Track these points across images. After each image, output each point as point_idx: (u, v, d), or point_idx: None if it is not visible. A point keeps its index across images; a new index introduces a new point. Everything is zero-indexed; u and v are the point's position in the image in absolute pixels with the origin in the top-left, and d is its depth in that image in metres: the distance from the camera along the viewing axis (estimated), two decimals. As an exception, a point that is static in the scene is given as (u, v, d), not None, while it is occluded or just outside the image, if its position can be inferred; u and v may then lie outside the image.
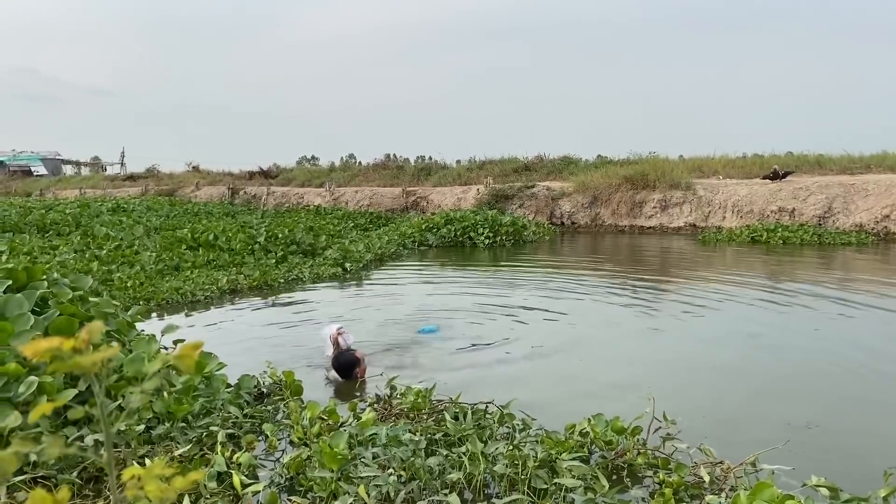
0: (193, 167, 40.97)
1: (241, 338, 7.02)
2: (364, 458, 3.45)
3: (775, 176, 19.16)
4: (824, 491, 3.03)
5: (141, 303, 8.52)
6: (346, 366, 5.54)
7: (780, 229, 16.40)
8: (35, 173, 57.16)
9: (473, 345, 6.64)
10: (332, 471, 3.29)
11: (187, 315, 8.31)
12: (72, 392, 3.64)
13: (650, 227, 19.71)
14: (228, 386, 4.58)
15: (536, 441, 3.71)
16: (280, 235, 13.87)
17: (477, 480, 3.38)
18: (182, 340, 4.95)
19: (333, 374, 5.59)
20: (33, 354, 0.71)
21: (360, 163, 37.91)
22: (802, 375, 5.65)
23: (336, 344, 5.78)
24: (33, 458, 3.13)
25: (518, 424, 4.05)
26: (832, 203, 17.27)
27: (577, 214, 20.96)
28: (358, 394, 5.16)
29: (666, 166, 21.48)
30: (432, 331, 7.16)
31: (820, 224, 17.00)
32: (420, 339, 6.94)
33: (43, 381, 3.73)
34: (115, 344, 0.84)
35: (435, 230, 16.77)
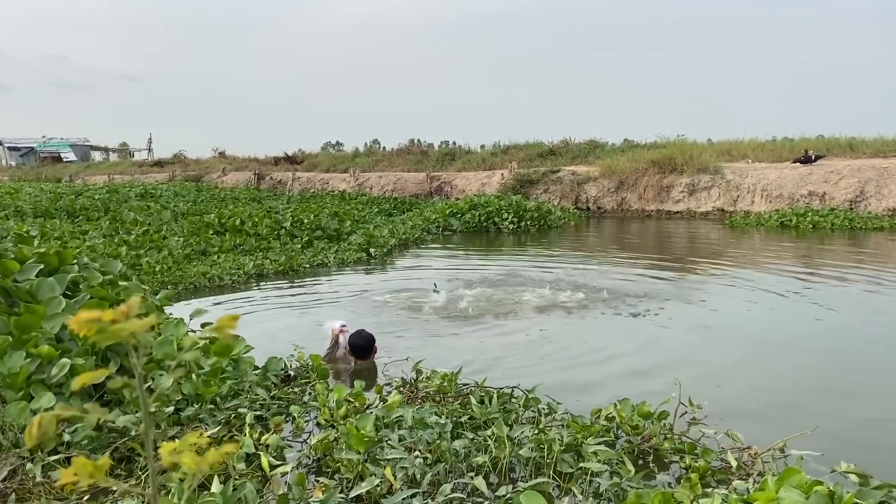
0: (220, 153, 41.28)
1: (268, 321, 7.10)
2: (390, 440, 3.48)
3: (806, 159, 18.82)
4: (854, 478, 3.00)
5: (169, 287, 8.62)
6: (366, 344, 5.53)
7: (810, 214, 16.15)
8: (65, 159, 57.95)
9: (498, 330, 6.65)
10: (359, 452, 3.32)
11: (214, 299, 8.41)
12: (104, 372, 3.71)
13: (677, 212, 19.52)
14: (255, 368, 4.64)
15: (562, 425, 3.72)
16: (305, 221, 13.96)
17: (502, 464, 3.39)
18: (210, 324, 5.03)
19: (340, 362, 5.56)
20: (77, 326, 0.73)
21: (384, 148, 37.94)
22: (842, 365, 5.58)
23: (336, 341, 5.64)
24: (66, 437, 3.19)
25: (543, 408, 4.05)
26: (864, 187, 16.94)
27: (603, 199, 20.81)
28: (385, 375, 5.19)
29: (694, 150, 21.21)
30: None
31: (851, 208, 16.69)
32: (442, 324, 6.94)
33: (75, 364, 3.81)
34: (150, 317, 0.85)
35: (459, 215, 16.76)
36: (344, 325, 5.72)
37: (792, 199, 17.69)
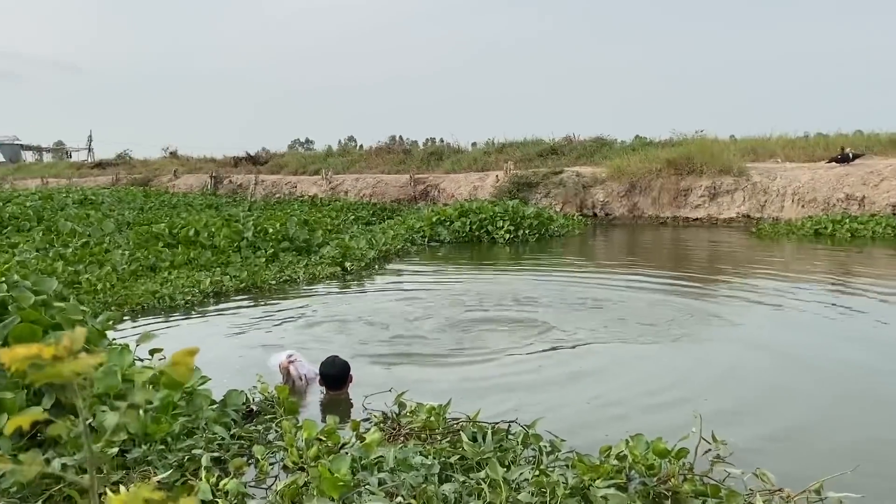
0: (171, 153, 41.27)
1: (228, 348, 7.07)
2: (369, 484, 3.47)
3: (843, 159, 18.95)
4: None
5: (112, 308, 8.58)
6: (340, 373, 5.52)
7: (847, 220, 16.27)
8: (-10, 161, 57.65)
9: (494, 357, 6.66)
10: (333, 499, 3.31)
11: (166, 322, 8.37)
12: (37, 410, 3.68)
13: (696, 219, 19.66)
14: (213, 403, 4.62)
15: (566, 465, 3.72)
16: (270, 230, 13.94)
17: (498, 511, 3.39)
18: (159, 350, 5.00)
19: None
20: (10, 361, 0.73)
21: (361, 146, 38.06)
22: (888, 395, 5.62)
23: (287, 374, 5.61)
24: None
25: (545, 447, 4.06)
26: (909, 190, 17.13)
27: (612, 204, 20.93)
28: (364, 409, 5.19)
29: (715, 148, 21.37)
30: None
31: (894, 214, 16.86)
32: (430, 349, 6.96)
33: (2, 398, 3.78)
34: (98, 352, 0.85)
35: (448, 223, 16.80)
36: (291, 356, 5.70)
37: (827, 204, 17.84)
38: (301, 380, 5.63)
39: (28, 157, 62.46)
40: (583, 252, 14.83)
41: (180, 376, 0.87)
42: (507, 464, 3.79)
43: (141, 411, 3.95)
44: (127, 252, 12.27)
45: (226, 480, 3.62)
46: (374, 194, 25.37)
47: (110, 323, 5.64)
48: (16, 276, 5.46)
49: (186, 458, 3.94)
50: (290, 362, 5.63)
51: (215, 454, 4.02)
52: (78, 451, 3.68)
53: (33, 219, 18.00)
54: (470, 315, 8.38)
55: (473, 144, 30.97)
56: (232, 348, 7.09)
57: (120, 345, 4.66)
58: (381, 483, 3.50)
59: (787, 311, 8.40)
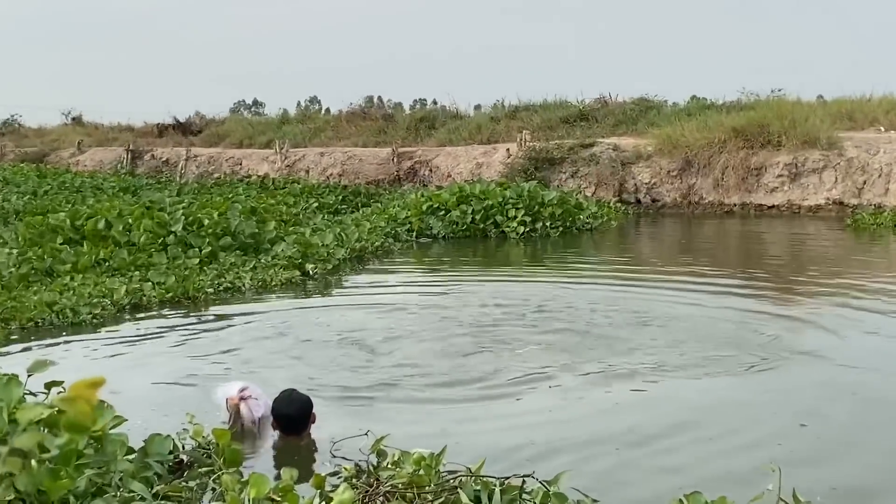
0: (74, 119, 41.21)
1: (149, 379, 7.05)
2: (337, 560, 3.47)
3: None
4: None
5: (-4, 325, 8.58)
6: (300, 413, 5.52)
7: (974, 209, 16.30)
8: None
9: (503, 390, 6.66)
10: (290, 580, 3.31)
11: (67, 344, 8.36)
12: None
13: (772, 206, 19.69)
14: (130, 451, 4.61)
15: (600, 535, 3.73)
16: (206, 222, 13.90)
17: None
18: (59, 383, 4.99)
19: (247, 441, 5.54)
20: None
21: (327, 111, 38.07)
22: None
23: (237, 414, 5.60)
24: None
25: (572, 510, 4.06)
26: None
27: (661, 187, 20.95)
28: (332, 458, 5.18)
29: (797, 113, 21.37)
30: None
31: None
32: (419, 383, 6.95)
33: None
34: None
35: (443, 213, 16.82)
36: (244, 390, 5.68)
37: (947, 188, 17.89)
38: (254, 424, 5.62)
39: None
40: (622, 251, 14.85)
41: (80, 415, 0.88)
42: (521, 532, 3.79)
43: (34, 462, 3.96)
44: (15, 251, 12.24)
45: (147, 555, 3.63)
46: (344, 173, 25.37)
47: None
48: None
49: (95, 525, 3.94)
50: (243, 398, 5.61)
51: (133, 520, 4.02)
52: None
53: None
54: (471, 335, 8.37)
55: (477, 108, 31.09)
56: (155, 379, 7.07)
57: (6, 374, 4.65)
58: (353, 558, 3.50)
59: (892, 333, 8.43)
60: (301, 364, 7.47)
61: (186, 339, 8.45)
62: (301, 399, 5.57)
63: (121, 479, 4.31)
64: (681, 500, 3.99)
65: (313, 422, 5.63)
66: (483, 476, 4.43)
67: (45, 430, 4.37)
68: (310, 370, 7.24)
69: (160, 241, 13.21)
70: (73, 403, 0.90)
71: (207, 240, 13.32)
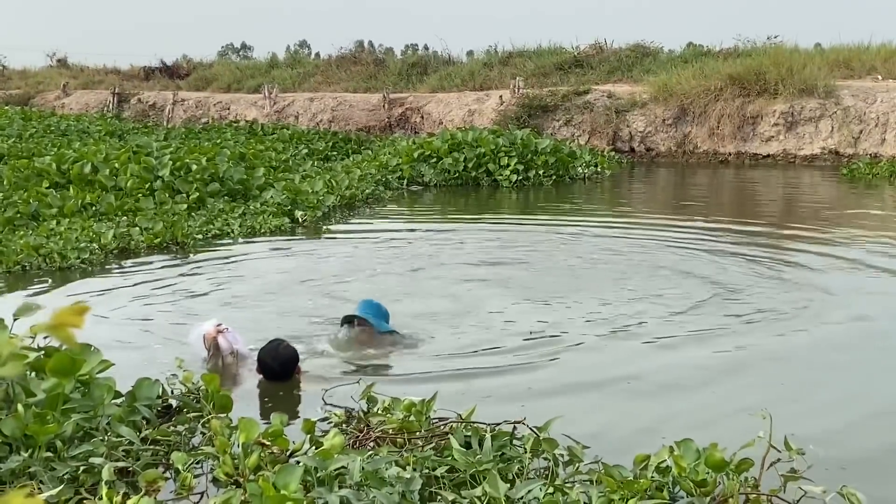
0: (59, 61, 40.82)
1: (137, 324, 7.07)
2: (328, 503, 3.49)
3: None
4: None
5: (-20, 270, 8.56)
6: (285, 367, 5.56)
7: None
8: None
9: (497, 338, 6.68)
10: (279, 524, 3.33)
11: (54, 288, 8.36)
12: None
13: (768, 156, 19.68)
14: (118, 395, 4.61)
15: (590, 480, 3.75)
16: (194, 168, 13.86)
17: (499, 539, 3.42)
18: (40, 307, 4.98)
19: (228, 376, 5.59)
20: None
21: (317, 55, 37.77)
22: None
23: (216, 348, 5.65)
24: None
25: (562, 455, 4.08)
26: None
27: (656, 136, 20.90)
28: (323, 405, 5.20)
29: (794, 61, 21.27)
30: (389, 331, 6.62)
31: None
32: (406, 327, 6.94)
33: None
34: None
35: (434, 160, 16.76)
36: (220, 325, 5.72)
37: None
38: (233, 355, 5.65)
39: None
40: (616, 199, 14.83)
41: (66, 340, 0.87)
42: (510, 478, 3.81)
43: (20, 406, 3.94)
44: (0, 194, 12.18)
45: (135, 499, 3.63)
46: (334, 120, 25.23)
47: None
48: None
49: (82, 468, 3.93)
50: (220, 332, 5.64)
51: (121, 464, 4.02)
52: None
53: None
54: (464, 283, 8.39)
55: (469, 54, 30.87)
56: (143, 324, 7.09)
57: (-8, 318, 4.63)
58: (343, 502, 3.51)
59: (888, 281, 8.46)
60: (290, 311, 7.47)
61: (173, 286, 8.44)
62: (286, 353, 5.57)
63: (108, 424, 4.31)
64: (671, 448, 4.01)
65: (298, 374, 5.64)
66: (474, 422, 4.45)
67: (31, 372, 4.39)
68: (298, 318, 7.24)
69: (147, 186, 13.16)
70: (58, 329, 0.89)
71: (195, 185, 13.27)
